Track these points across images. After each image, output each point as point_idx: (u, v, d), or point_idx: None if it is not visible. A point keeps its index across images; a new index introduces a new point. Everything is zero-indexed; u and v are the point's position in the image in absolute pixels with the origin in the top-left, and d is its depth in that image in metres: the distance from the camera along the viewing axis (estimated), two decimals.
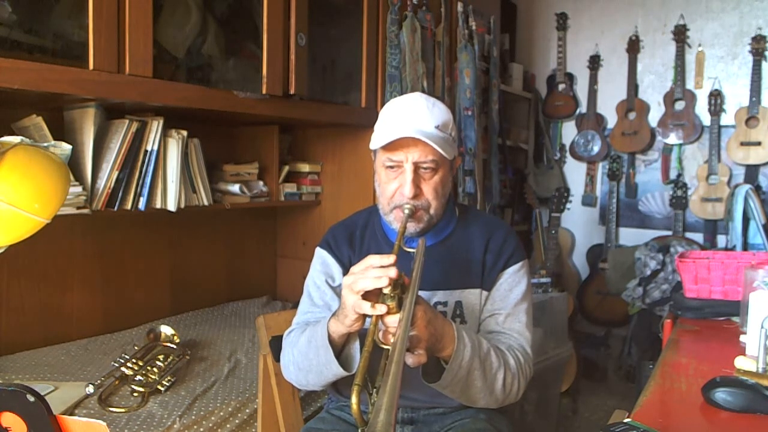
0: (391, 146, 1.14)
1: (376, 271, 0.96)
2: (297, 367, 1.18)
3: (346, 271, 1.09)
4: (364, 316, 0.99)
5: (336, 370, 1.08)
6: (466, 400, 1.13)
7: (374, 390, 0.85)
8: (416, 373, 1.09)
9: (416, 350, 0.97)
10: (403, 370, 0.89)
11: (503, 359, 1.14)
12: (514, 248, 1.26)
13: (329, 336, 1.07)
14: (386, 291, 0.95)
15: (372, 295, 0.97)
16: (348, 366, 1.08)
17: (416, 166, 1.14)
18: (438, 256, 1.24)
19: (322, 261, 1.31)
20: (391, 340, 0.90)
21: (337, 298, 1.25)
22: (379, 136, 1.17)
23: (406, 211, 1.15)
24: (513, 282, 1.25)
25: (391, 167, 1.16)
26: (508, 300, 1.23)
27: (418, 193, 1.15)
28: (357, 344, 1.09)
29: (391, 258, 0.97)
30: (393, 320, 0.94)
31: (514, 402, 1.19)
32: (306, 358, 1.13)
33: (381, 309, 0.94)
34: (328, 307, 1.25)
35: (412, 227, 1.18)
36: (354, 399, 0.83)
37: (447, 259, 1.25)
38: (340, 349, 1.10)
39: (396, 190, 1.17)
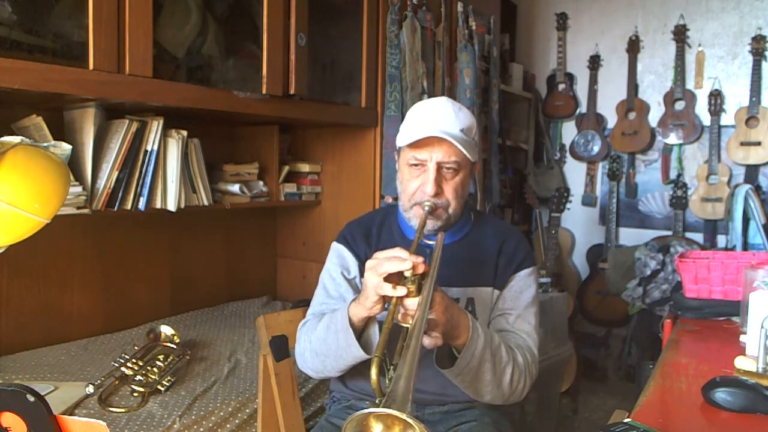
0: (416, 145, 1.19)
1: (399, 255, 1.01)
2: (314, 353, 1.20)
3: (362, 265, 1.13)
4: (384, 299, 1.02)
5: (356, 353, 1.10)
6: (474, 392, 1.15)
7: (392, 366, 0.88)
8: (426, 366, 1.12)
9: (433, 333, 1.01)
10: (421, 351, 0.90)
11: (512, 356, 1.16)
12: (526, 254, 1.32)
13: (349, 320, 1.10)
14: (407, 274, 0.99)
15: (393, 279, 1.00)
16: (367, 349, 1.10)
17: (439, 166, 1.19)
18: (453, 254, 1.27)
19: (339, 254, 1.34)
20: (410, 322, 0.94)
21: (352, 290, 1.29)
22: (405, 134, 1.22)
23: (426, 208, 1.19)
24: (524, 285, 1.29)
25: (415, 165, 1.21)
26: (519, 301, 1.27)
27: (439, 192, 1.19)
28: (376, 328, 1.11)
29: (419, 258, 1.00)
30: (412, 303, 0.97)
31: (517, 401, 1.21)
32: (324, 343, 1.16)
33: (401, 291, 0.97)
34: (343, 298, 1.27)
35: (430, 224, 1.22)
36: (374, 370, 0.87)
37: (461, 257, 1.29)
38: (359, 333, 1.12)
39: (418, 187, 1.21)
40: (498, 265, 1.29)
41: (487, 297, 1.27)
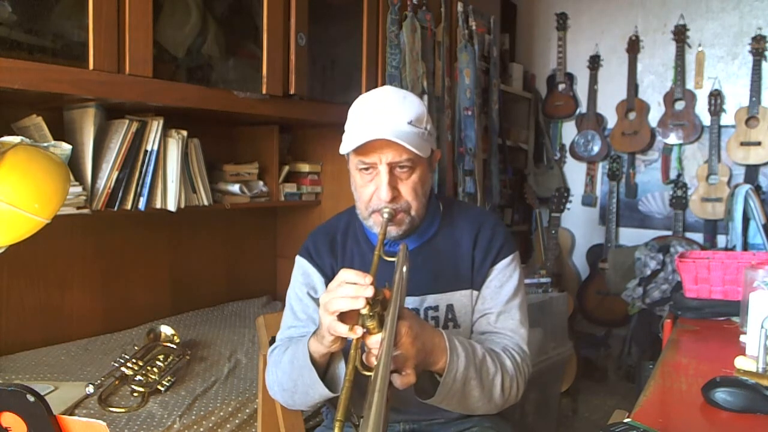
0: (362, 148, 1.06)
1: (351, 289, 0.88)
2: (282, 388, 1.11)
3: (328, 281, 1.03)
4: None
5: (322, 391, 1.01)
6: (465, 410, 1.08)
7: (360, 420, 0.76)
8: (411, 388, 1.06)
9: (404, 371, 0.91)
10: (394, 390, 0.84)
11: (500, 363, 1.08)
12: (503, 242, 1.20)
13: (311, 356, 1.00)
14: (364, 311, 0.88)
15: (350, 315, 0.90)
16: (334, 387, 1.01)
17: (391, 167, 1.07)
18: (424, 259, 1.18)
19: (303, 272, 1.24)
20: (374, 363, 0.84)
21: None
22: (348, 139, 1.09)
23: (385, 215, 1.07)
24: (503, 278, 1.19)
25: (366, 169, 1.09)
26: (499, 298, 1.18)
27: (396, 195, 1.08)
28: (342, 364, 1.02)
29: (368, 278, 0.89)
30: (375, 341, 0.87)
31: (514, 403, 1.16)
32: (290, 379, 1.06)
33: (359, 332, 0.87)
34: (312, 320, 1.19)
35: (393, 231, 1.11)
36: None
37: (434, 260, 1.19)
38: (324, 369, 1.03)
39: (373, 193, 1.09)
40: (474, 260, 1.18)
41: (467, 300, 1.18)
